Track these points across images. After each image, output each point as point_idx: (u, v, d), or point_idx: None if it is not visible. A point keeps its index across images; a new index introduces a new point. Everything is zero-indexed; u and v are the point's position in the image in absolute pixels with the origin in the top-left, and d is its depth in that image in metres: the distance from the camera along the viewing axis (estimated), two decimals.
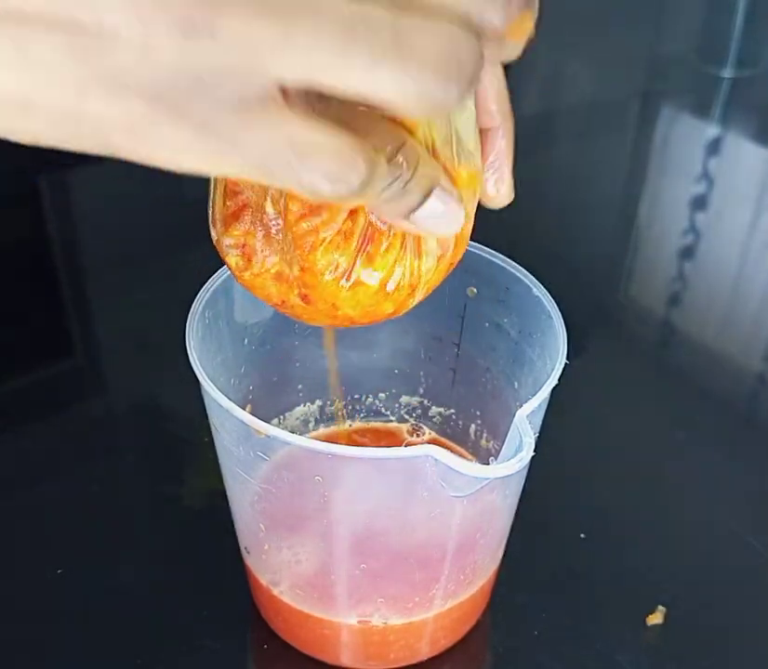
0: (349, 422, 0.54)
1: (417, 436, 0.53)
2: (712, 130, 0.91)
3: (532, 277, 0.44)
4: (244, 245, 0.35)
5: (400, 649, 0.46)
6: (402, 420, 0.54)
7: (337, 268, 0.33)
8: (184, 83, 0.23)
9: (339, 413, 0.52)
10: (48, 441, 0.58)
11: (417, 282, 0.34)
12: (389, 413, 0.54)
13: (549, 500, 0.53)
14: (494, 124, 0.34)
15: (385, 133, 0.28)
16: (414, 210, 0.29)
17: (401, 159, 0.28)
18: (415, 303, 0.35)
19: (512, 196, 0.35)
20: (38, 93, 0.24)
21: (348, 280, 0.33)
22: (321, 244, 0.33)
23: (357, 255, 0.33)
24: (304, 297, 0.34)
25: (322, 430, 0.53)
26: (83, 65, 0.23)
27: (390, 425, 0.54)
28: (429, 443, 0.36)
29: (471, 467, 0.34)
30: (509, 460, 0.35)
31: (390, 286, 0.34)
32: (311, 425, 0.53)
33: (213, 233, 0.36)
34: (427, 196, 0.29)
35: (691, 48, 1.00)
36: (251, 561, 0.46)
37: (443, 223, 0.30)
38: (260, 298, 0.36)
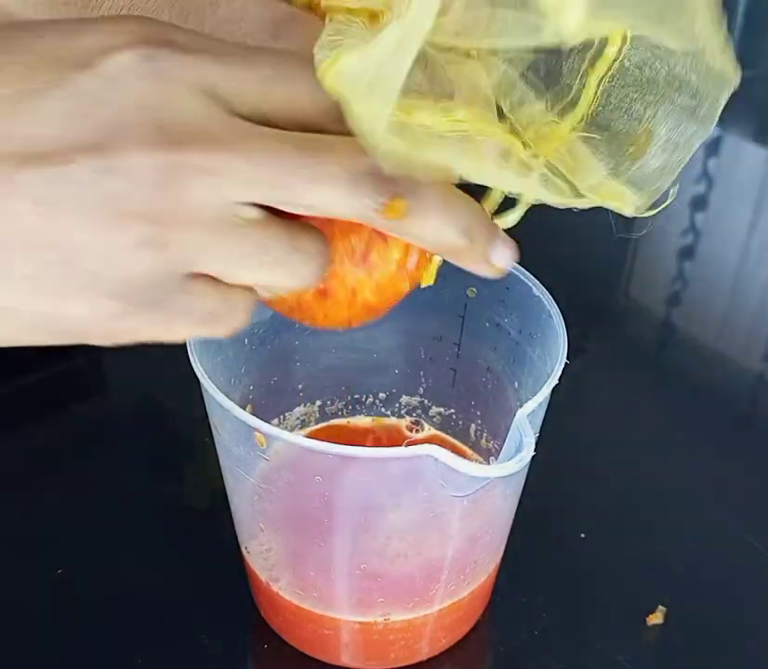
0: (347, 418, 0.54)
1: (417, 432, 0.53)
2: (712, 130, 0.91)
3: (532, 277, 0.44)
4: None
5: (400, 648, 0.46)
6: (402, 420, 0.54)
7: (354, 251, 0.33)
8: (146, 281, 0.28)
9: None
10: (48, 441, 0.58)
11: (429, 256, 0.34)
12: (389, 412, 0.54)
13: (549, 500, 0.53)
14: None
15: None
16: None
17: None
18: (427, 278, 0.35)
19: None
20: (23, 302, 0.28)
21: (365, 261, 0.33)
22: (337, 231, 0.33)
23: (371, 236, 0.33)
24: (321, 292, 0.34)
25: (322, 425, 0.54)
26: (63, 277, 0.27)
27: (389, 421, 0.54)
28: (430, 439, 0.36)
29: (472, 467, 0.34)
30: (509, 460, 0.35)
31: (411, 264, 0.34)
32: (311, 425, 0.53)
33: None
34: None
35: None
36: (251, 561, 0.46)
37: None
38: (273, 306, 0.36)
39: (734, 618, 0.50)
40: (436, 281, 0.47)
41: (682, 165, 0.33)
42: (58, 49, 0.28)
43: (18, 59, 0.27)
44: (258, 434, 0.38)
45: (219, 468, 0.44)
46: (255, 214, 0.29)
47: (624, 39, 0.32)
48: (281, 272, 0.30)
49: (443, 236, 0.30)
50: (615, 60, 0.32)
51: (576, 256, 0.76)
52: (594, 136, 0.31)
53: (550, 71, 0.32)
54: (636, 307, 0.75)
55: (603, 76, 0.32)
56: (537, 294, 0.43)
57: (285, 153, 0.28)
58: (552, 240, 0.77)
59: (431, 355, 0.50)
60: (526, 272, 0.44)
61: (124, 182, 0.27)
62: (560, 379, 0.39)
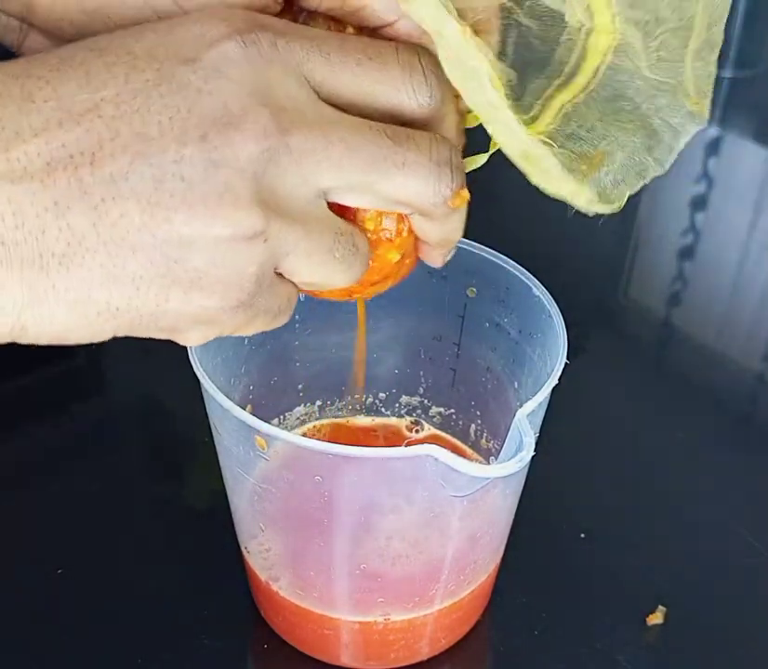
0: (347, 418, 0.54)
1: (417, 432, 0.53)
2: (712, 130, 0.91)
3: (532, 277, 0.44)
4: None
5: (400, 648, 0.46)
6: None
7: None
8: (250, 277, 0.29)
9: (356, 396, 0.53)
10: (48, 441, 0.58)
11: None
12: (389, 412, 0.54)
13: (549, 500, 0.53)
14: None
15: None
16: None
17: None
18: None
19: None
20: (128, 302, 0.28)
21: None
22: None
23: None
24: None
25: (322, 422, 0.54)
26: (171, 276, 0.28)
27: (389, 421, 0.54)
28: (430, 439, 0.36)
29: (472, 467, 0.34)
30: (509, 460, 0.35)
31: (387, 234, 0.34)
32: (310, 425, 0.53)
33: None
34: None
35: None
36: (251, 561, 0.46)
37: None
38: None
39: (734, 618, 0.50)
40: (436, 281, 0.48)
41: (639, 187, 0.34)
42: (156, 47, 0.28)
43: (118, 60, 0.27)
44: (258, 437, 0.38)
45: (219, 468, 0.44)
46: (327, 208, 0.30)
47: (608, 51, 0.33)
48: (341, 271, 0.31)
49: (457, 229, 0.33)
50: (589, 82, 0.33)
51: (576, 256, 0.76)
52: (552, 144, 0.32)
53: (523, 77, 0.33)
54: (636, 307, 0.75)
55: (572, 98, 0.33)
56: (537, 294, 0.43)
57: (380, 140, 0.29)
58: (552, 240, 0.77)
59: (431, 355, 0.50)
60: (526, 272, 0.44)
61: (229, 173, 0.27)
62: (560, 379, 0.39)
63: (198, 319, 0.29)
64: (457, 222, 0.33)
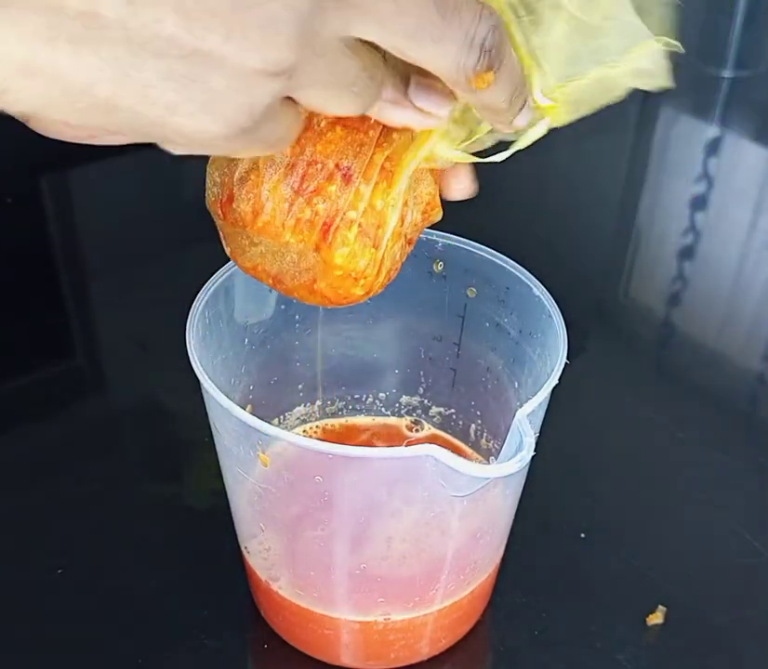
0: (347, 418, 0.54)
1: (417, 432, 0.53)
2: (712, 130, 0.91)
3: (532, 277, 0.44)
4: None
5: (400, 648, 0.46)
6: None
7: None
8: (260, 108, 0.29)
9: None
10: (48, 441, 0.58)
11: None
12: (389, 412, 0.54)
13: (549, 500, 0.53)
14: None
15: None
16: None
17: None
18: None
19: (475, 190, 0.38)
20: (133, 105, 0.27)
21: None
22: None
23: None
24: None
25: (323, 421, 0.54)
26: (184, 91, 0.27)
27: (389, 421, 0.54)
28: (430, 439, 0.36)
29: (472, 467, 0.34)
30: (509, 460, 0.35)
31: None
32: (311, 424, 0.53)
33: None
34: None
35: (691, 49, 1.00)
36: (251, 561, 0.46)
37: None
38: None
39: (734, 618, 0.50)
40: (436, 281, 0.48)
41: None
42: None
43: None
44: (261, 454, 0.38)
45: (219, 468, 0.44)
46: (359, 49, 0.30)
47: None
48: (353, 101, 0.31)
49: (495, 102, 0.33)
50: None
51: (576, 256, 0.76)
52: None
53: None
54: (636, 307, 0.75)
55: None
56: (537, 294, 0.43)
57: (426, 10, 0.30)
58: (552, 240, 0.77)
59: (431, 355, 0.50)
60: (526, 272, 0.44)
61: (277, 6, 0.27)
62: (560, 379, 0.39)
63: (194, 139, 0.29)
64: (492, 97, 0.33)
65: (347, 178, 0.34)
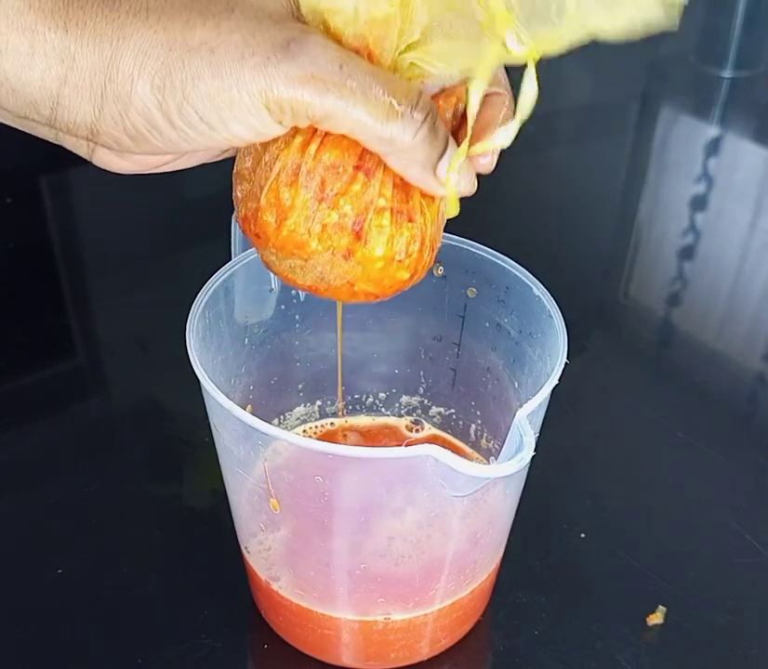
0: (347, 418, 0.54)
1: (417, 432, 0.53)
2: (712, 130, 0.91)
3: (532, 277, 0.44)
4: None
5: (400, 648, 0.46)
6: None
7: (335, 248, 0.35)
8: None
9: (340, 405, 0.53)
10: (48, 441, 0.58)
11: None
12: (389, 412, 0.54)
13: (549, 500, 0.53)
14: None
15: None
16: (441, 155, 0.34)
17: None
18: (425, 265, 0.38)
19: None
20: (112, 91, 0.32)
21: (347, 257, 0.36)
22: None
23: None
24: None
25: (323, 421, 0.54)
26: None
27: (389, 421, 0.54)
28: (430, 439, 0.36)
29: (472, 467, 0.34)
30: (509, 460, 0.35)
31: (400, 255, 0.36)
32: (311, 424, 0.53)
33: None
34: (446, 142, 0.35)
35: (690, 49, 1.00)
36: (251, 561, 0.46)
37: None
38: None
39: (734, 618, 0.50)
40: (436, 281, 0.48)
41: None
42: None
43: None
44: (272, 500, 0.39)
45: (219, 468, 0.44)
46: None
47: None
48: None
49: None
50: None
51: (576, 256, 0.76)
52: None
53: None
54: (636, 307, 0.75)
55: None
56: (537, 294, 0.43)
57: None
58: (552, 240, 0.77)
59: (431, 355, 0.50)
60: (526, 272, 0.44)
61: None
62: (560, 379, 0.39)
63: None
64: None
65: (369, 174, 0.34)
